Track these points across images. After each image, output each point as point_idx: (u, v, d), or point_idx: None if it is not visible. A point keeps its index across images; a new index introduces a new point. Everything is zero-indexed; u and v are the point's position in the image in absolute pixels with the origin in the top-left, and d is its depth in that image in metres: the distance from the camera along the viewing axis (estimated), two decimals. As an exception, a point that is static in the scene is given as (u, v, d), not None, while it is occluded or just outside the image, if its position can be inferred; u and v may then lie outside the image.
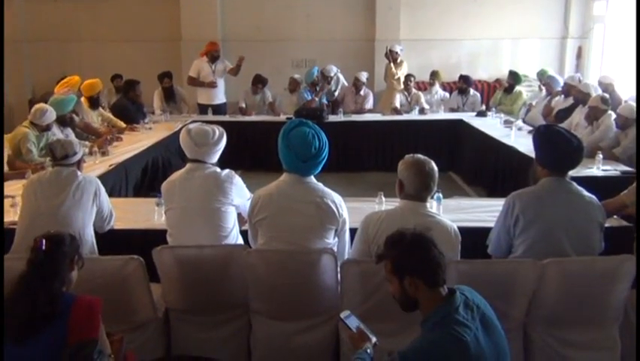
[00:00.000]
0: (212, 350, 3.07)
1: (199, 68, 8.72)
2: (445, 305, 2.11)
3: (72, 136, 5.65)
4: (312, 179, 3.20)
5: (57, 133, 5.54)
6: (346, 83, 9.40)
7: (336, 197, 3.19)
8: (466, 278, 2.63)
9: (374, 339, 2.36)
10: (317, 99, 8.75)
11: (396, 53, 9.09)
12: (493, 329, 2.15)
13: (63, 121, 5.76)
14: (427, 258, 2.15)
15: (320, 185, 3.19)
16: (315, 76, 8.91)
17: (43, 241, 2.34)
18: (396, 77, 8.95)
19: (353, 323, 2.44)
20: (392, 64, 9.02)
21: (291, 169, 3.16)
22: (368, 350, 2.29)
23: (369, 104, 8.97)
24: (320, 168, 3.19)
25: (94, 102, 7.02)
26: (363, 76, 8.94)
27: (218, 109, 8.80)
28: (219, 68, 8.78)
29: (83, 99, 6.82)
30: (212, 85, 8.70)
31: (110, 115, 7.37)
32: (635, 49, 6.49)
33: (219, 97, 8.89)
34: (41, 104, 5.53)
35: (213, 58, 8.70)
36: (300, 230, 3.09)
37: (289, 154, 3.11)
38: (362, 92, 8.96)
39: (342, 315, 2.48)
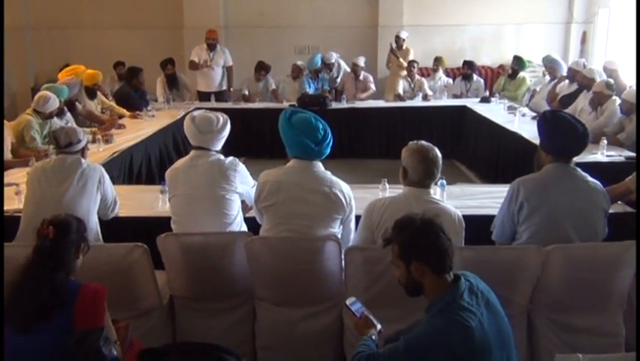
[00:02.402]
0: (217, 337, 3.08)
1: (199, 55, 8.72)
2: (450, 291, 2.11)
3: (72, 123, 5.65)
4: (321, 167, 3.20)
5: (57, 121, 5.54)
6: (348, 70, 9.37)
7: (345, 186, 3.19)
8: (470, 264, 2.63)
9: (379, 326, 2.37)
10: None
11: (403, 40, 9.08)
12: (497, 314, 2.15)
13: (59, 111, 5.72)
14: (435, 244, 2.14)
15: (328, 173, 3.19)
16: (319, 65, 8.88)
17: (50, 228, 2.34)
18: (404, 65, 8.91)
19: (358, 309, 2.44)
20: (398, 52, 9.00)
21: (301, 155, 3.15)
22: (373, 337, 2.30)
23: (373, 84, 8.89)
24: (329, 151, 3.19)
25: (91, 92, 7.00)
26: (361, 60, 8.87)
27: (221, 96, 8.79)
28: (218, 56, 8.76)
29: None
30: (206, 64, 8.69)
31: (112, 103, 7.36)
32: (635, 36, 6.44)
33: (217, 84, 8.87)
34: (44, 92, 5.52)
35: (210, 46, 8.69)
36: (307, 218, 3.09)
37: (302, 140, 3.10)
38: (361, 77, 8.89)
39: (348, 302, 2.49)
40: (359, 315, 2.42)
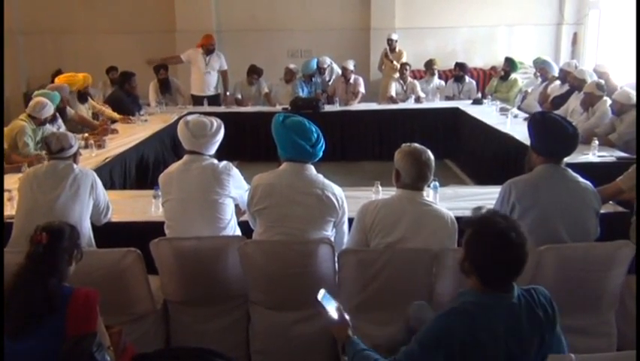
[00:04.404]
0: (211, 341, 3.07)
1: (192, 58, 8.72)
2: (491, 297, 2.02)
3: (63, 129, 5.63)
4: (313, 170, 3.21)
5: (49, 127, 5.51)
6: (340, 73, 9.37)
7: (337, 189, 3.20)
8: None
9: (347, 317, 2.27)
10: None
11: (395, 41, 9.11)
12: (520, 352, 2.03)
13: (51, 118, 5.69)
14: (492, 263, 2.02)
15: (320, 176, 3.20)
16: (315, 69, 8.89)
17: (44, 234, 2.34)
18: (397, 67, 8.92)
19: (331, 303, 2.30)
20: (391, 54, 9.02)
21: (296, 157, 3.16)
22: (354, 337, 2.22)
23: (362, 87, 8.84)
24: (321, 154, 3.21)
25: (82, 96, 6.98)
26: (351, 64, 8.81)
27: (214, 100, 8.79)
28: (214, 60, 8.76)
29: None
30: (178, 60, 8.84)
31: (102, 107, 7.33)
32: (635, 34, 6.47)
33: (211, 88, 8.87)
34: (40, 98, 5.50)
35: (208, 51, 8.70)
36: (300, 221, 3.10)
37: (296, 141, 3.11)
38: (351, 80, 8.84)
39: (319, 296, 2.32)
40: (334, 309, 2.27)
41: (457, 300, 2.08)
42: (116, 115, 7.23)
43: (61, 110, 6.06)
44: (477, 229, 2.06)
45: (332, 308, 2.29)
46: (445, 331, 1.99)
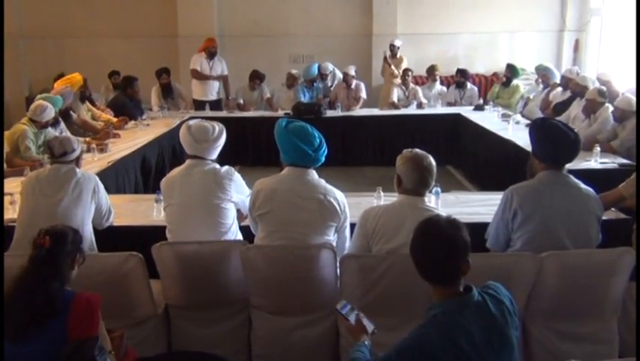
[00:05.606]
0: (213, 346, 3.08)
1: (200, 63, 8.74)
2: (454, 301, 2.03)
3: (66, 133, 5.64)
4: (315, 174, 3.22)
5: (51, 131, 5.53)
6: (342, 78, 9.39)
7: (339, 194, 3.20)
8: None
9: (372, 327, 2.35)
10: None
11: (398, 48, 9.13)
12: (502, 345, 2.03)
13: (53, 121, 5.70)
14: (429, 263, 2.06)
15: (322, 181, 3.21)
16: (316, 74, 8.91)
17: (47, 238, 2.34)
18: (395, 73, 8.93)
19: (350, 313, 2.42)
20: (391, 60, 9.03)
21: (298, 161, 3.18)
22: (366, 342, 2.28)
23: (363, 93, 8.85)
24: (323, 159, 3.22)
25: (81, 96, 6.99)
26: (352, 70, 8.84)
27: (216, 105, 8.81)
28: (216, 65, 8.79)
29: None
30: (213, 78, 8.80)
31: (101, 112, 7.34)
32: (635, 41, 6.48)
33: (214, 93, 8.90)
34: (41, 101, 5.51)
35: (211, 54, 8.72)
36: (301, 226, 3.10)
37: (299, 145, 3.12)
38: (353, 86, 8.84)
39: (338, 306, 2.45)
40: (352, 319, 2.39)
41: (426, 316, 2.08)
42: (113, 119, 7.22)
43: (65, 112, 6.07)
44: (415, 236, 2.11)
45: (352, 316, 2.40)
46: (424, 337, 1.99)
